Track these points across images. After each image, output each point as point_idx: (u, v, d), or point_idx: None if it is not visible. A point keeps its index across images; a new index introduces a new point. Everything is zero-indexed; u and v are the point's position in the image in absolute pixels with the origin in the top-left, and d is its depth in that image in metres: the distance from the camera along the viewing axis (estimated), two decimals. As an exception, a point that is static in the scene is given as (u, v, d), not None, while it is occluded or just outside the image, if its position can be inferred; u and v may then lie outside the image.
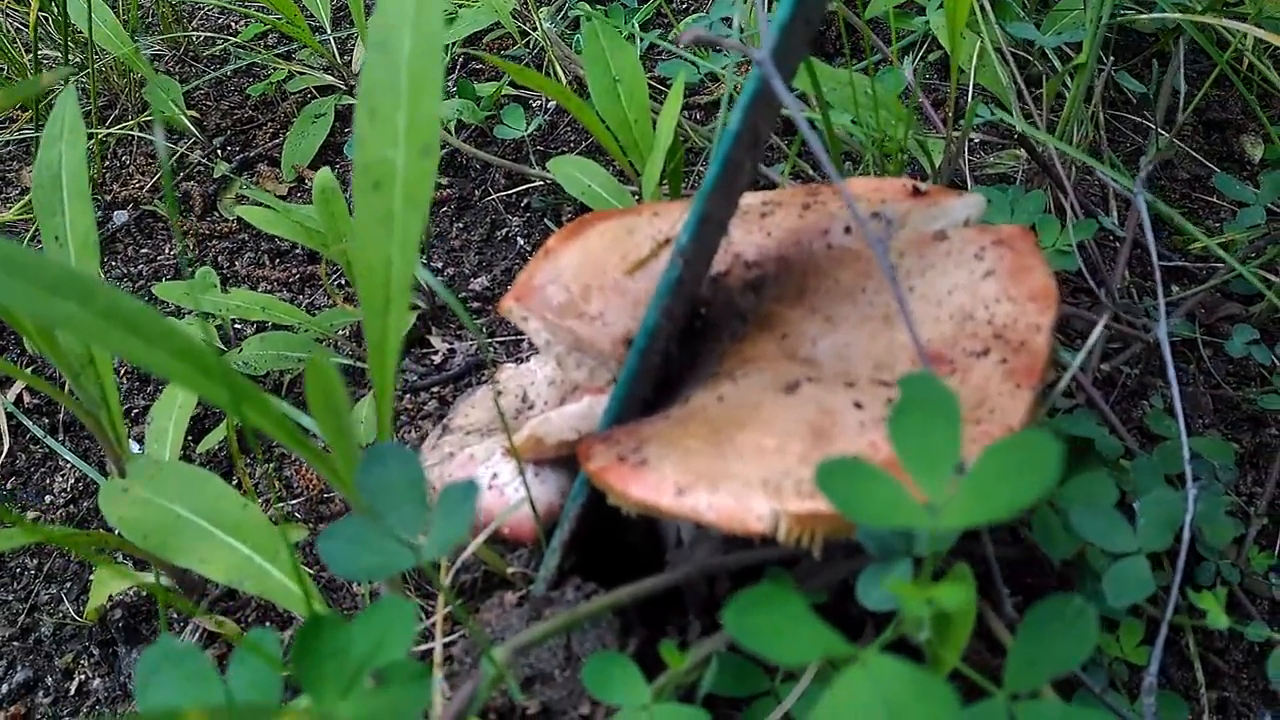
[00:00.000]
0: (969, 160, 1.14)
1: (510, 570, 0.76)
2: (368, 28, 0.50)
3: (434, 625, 0.71)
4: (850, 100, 0.89)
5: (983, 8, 1.10)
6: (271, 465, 1.02)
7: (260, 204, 1.09)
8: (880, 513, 0.38)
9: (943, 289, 0.67)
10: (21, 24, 1.46)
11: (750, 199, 0.77)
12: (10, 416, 1.11)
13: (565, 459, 0.73)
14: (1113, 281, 0.99)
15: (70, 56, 1.32)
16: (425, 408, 1.01)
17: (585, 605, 0.58)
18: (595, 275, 0.74)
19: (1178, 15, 0.97)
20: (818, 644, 0.39)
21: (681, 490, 0.56)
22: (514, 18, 1.39)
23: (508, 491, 0.75)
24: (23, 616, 0.95)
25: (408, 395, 1.03)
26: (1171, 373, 0.69)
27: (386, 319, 0.51)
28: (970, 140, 1.19)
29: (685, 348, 0.70)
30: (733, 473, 0.57)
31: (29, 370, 1.14)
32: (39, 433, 1.08)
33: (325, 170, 0.99)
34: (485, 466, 0.77)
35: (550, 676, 0.63)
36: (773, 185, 1.07)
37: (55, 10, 1.26)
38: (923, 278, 0.67)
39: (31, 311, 0.41)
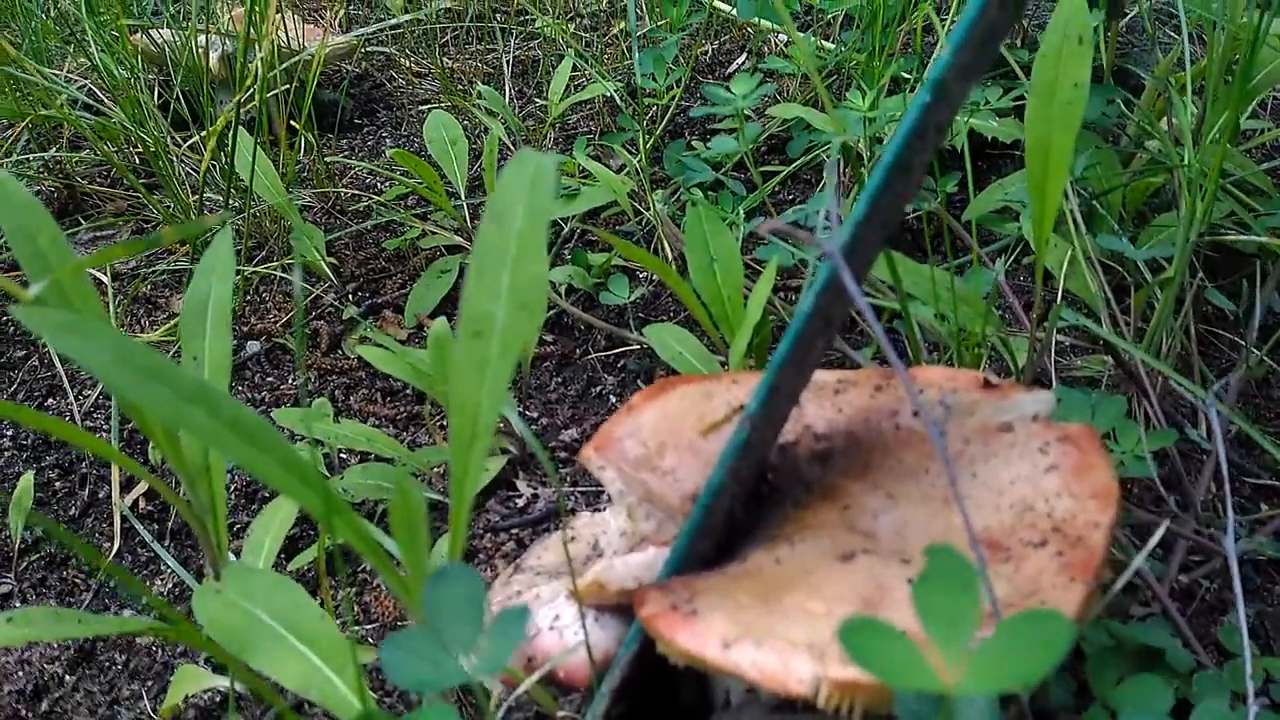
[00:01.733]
0: (1056, 361, 1.16)
1: (561, 714, 0.78)
2: (489, 201, 0.57)
3: (482, 758, 0.72)
4: (931, 294, 0.93)
5: (1075, 220, 1.15)
6: (354, 590, 1.07)
7: (380, 345, 1.18)
8: (895, 672, 0.40)
9: (1005, 479, 0.69)
10: (192, 169, 1.64)
11: (826, 376, 0.81)
12: (124, 520, 1.19)
13: (626, 607, 0.76)
14: (1195, 494, 0.98)
15: (230, 201, 1.47)
16: (503, 548, 1.05)
17: (624, 747, 0.60)
18: (672, 434, 0.78)
19: (1265, 239, 0.99)
20: (830, 795, 0.40)
21: (727, 644, 0.58)
22: (631, 198, 1.49)
23: (567, 634, 0.78)
24: (103, 708, 0.99)
25: (488, 535, 1.07)
26: (1237, 584, 0.68)
27: (470, 452, 0.56)
28: (1061, 344, 1.22)
29: (750, 512, 0.73)
30: (779, 632, 0.59)
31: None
32: (148, 538, 1.16)
33: (442, 320, 1.08)
34: (549, 608, 0.80)
35: (586, 821, 0.64)
36: (856, 367, 1.11)
37: (223, 160, 1.41)
38: (986, 465, 0.69)
39: (166, 415, 0.48)
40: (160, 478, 1.23)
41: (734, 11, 1.87)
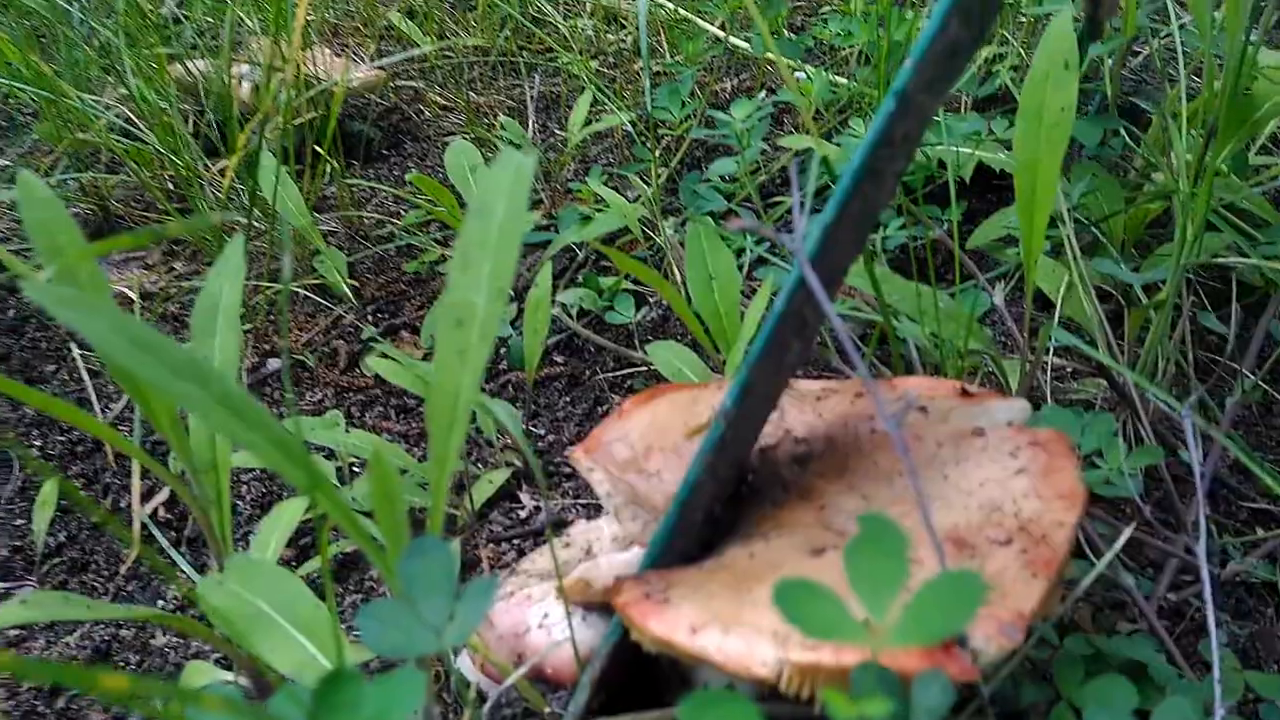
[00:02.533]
0: (1053, 385, 1.17)
1: (548, 710, 0.80)
2: (470, 198, 0.61)
3: (466, 747, 0.75)
4: (917, 309, 0.95)
5: (1073, 247, 1.17)
6: (361, 596, 1.10)
7: (391, 358, 1.22)
8: (823, 627, 0.42)
9: (975, 480, 0.70)
10: (222, 194, 1.70)
11: (810, 385, 0.83)
12: (144, 527, 1.23)
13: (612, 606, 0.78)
14: (1186, 514, 0.99)
15: (255, 224, 1.52)
16: (504, 557, 1.08)
17: (592, 725, 0.62)
18: (659, 438, 0.81)
19: (1257, 261, 1.01)
20: (763, 748, 0.42)
21: (695, 630, 0.60)
22: (643, 225, 1.53)
23: (555, 632, 0.80)
24: (115, 707, 1.02)
25: (490, 544, 1.10)
26: (1208, 591, 0.69)
27: (449, 437, 0.59)
28: (1059, 369, 1.23)
29: (730, 512, 0.76)
30: (746, 620, 0.61)
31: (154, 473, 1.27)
32: (165, 544, 1.19)
33: (448, 333, 1.11)
34: (539, 606, 0.82)
35: (561, 805, 0.66)
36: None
37: (251, 185, 1.47)
38: (957, 467, 0.71)
39: (160, 387, 0.51)
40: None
41: (750, 47, 1.92)
